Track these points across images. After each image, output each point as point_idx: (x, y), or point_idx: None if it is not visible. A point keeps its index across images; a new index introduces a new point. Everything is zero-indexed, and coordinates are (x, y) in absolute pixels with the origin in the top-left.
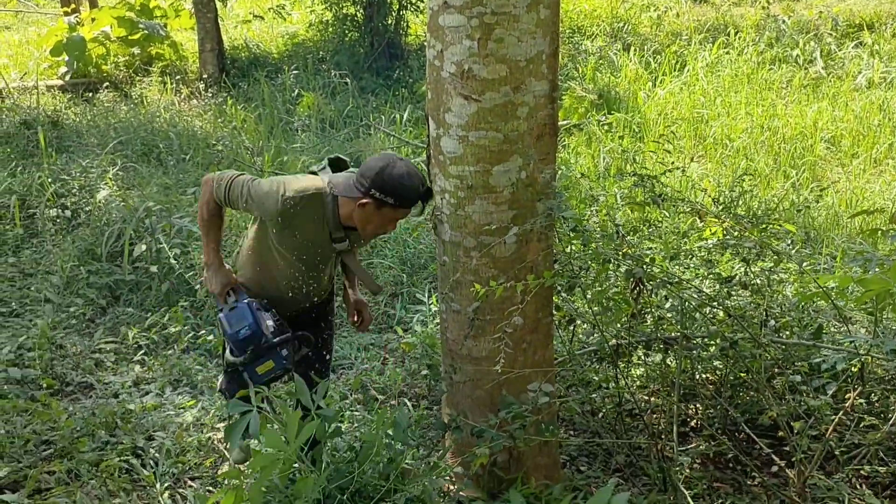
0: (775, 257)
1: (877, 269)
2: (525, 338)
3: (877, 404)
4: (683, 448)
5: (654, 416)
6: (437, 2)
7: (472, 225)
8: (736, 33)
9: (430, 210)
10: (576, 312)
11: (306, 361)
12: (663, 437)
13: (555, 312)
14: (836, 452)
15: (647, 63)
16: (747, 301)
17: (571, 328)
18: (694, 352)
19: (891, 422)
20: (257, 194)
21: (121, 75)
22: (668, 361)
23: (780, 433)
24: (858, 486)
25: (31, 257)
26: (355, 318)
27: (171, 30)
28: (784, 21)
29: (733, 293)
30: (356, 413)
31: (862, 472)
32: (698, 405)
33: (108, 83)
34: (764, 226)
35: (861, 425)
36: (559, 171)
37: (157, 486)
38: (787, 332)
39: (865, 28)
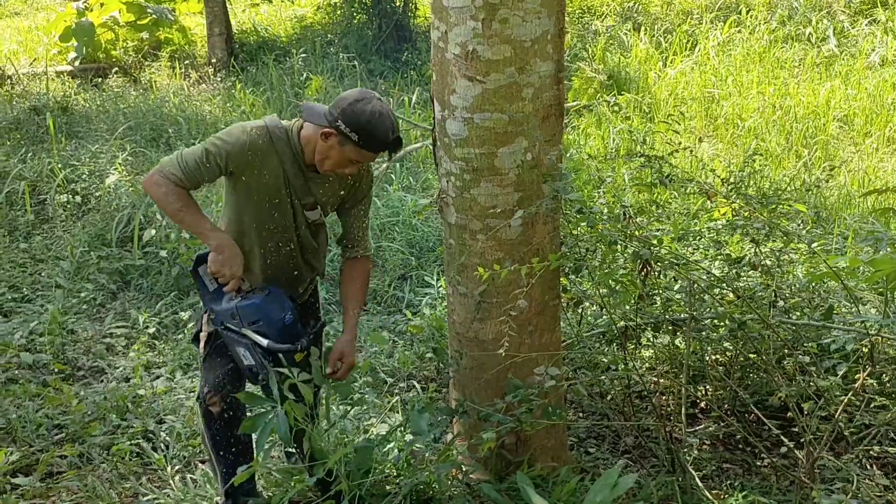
0: (785, 238)
1: (888, 249)
2: (531, 321)
3: (888, 385)
4: (692, 430)
5: (663, 397)
6: None
7: (478, 207)
8: (748, 11)
9: (436, 192)
10: (583, 295)
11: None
12: (672, 418)
13: (562, 295)
14: (846, 433)
15: (658, 43)
16: (757, 282)
17: (580, 311)
18: (703, 333)
19: None
20: (218, 140)
21: (130, 60)
22: (676, 343)
23: (790, 414)
24: (868, 467)
25: (42, 243)
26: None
27: (179, 14)
28: None
29: (742, 274)
30: (365, 396)
31: (872, 452)
32: (707, 386)
33: (117, 68)
34: (773, 206)
35: (871, 406)
36: (567, 153)
37: (168, 468)
38: (798, 313)
39: (879, 5)
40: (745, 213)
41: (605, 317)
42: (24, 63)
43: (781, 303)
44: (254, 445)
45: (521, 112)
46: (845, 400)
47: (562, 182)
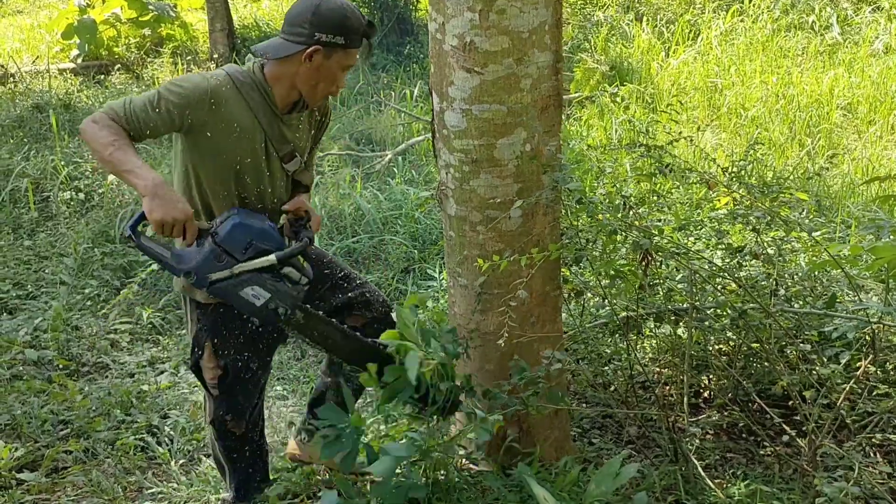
0: (786, 227)
1: (890, 237)
2: (532, 311)
3: (892, 373)
4: (695, 419)
5: (667, 387)
6: None
7: (478, 199)
8: (750, 0)
9: (437, 185)
10: (585, 285)
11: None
12: (675, 408)
13: (563, 286)
14: (848, 421)
15: (661, 33)
16: (759, 271)
17: (582, 301)
18: (706, 323)
19: None
20: (173, 86)
21: (132, 57)
22: (679, 333)
23: (792, 403)
24: (872, 455)
25: (46, 240)
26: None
27: (181, 10)
28: None
29: (744, 263)
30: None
31: (874, 440)
32: (711, 376)
33: (119, 65)
34: (775, 195)
35: (874, 394)
36: (568, 144)
37: (172, 463)
38: (801, 302)
39: None
40: (747, 203)
41: (606, 307)
42: (26, 61)
43: (783, 291)
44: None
45: (520, 103)
46: (847, 388)
47: (561, 172)
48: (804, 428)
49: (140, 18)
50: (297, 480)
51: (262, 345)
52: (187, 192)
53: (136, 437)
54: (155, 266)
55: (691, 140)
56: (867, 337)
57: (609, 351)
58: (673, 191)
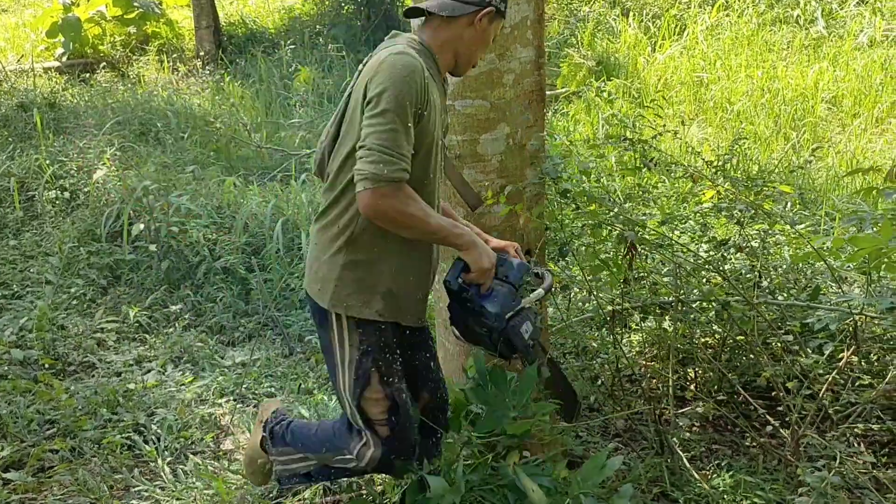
0: (768, 219)
1: (872, 229)
2: None
3: (876, 364)
4: (681, 411)
5: (653, 380)
6: None
7: None
8: None
9: None
10: (570, 279)
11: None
12: (661, 401)
13: None
14: (831, 412)
15: (647, 28)
16: (743, 264)
17: (568, 295)
18: (691, 316)
19: (886, 380)
20: (390, 84)
21: (117, 55)
22: (664, 326)
23: (776, 393)
24: (855, 445)
25: (32, 239)
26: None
27: (166, 7)
28: None
29: (728, 256)
30: None
31: (857, 430)
32: (696, 369)
33: (104, 63)
34: (759, 189)
35: (857, 384)
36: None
37: (159, 461)
38: (784, 294)
39: None
40: (731, 196)
41: (592, 301)
42: (11, 60)
43: (766, 283)
44: None
45: (503, 98)
46: (829, 379)
47: (551, 164)
48: (788, 419)
49: (125, 16)
50: None
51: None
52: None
53: (123, 435)
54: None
55: (676, 134)
56: (849, 328)
57: (595, 345)
58: (658, 185)
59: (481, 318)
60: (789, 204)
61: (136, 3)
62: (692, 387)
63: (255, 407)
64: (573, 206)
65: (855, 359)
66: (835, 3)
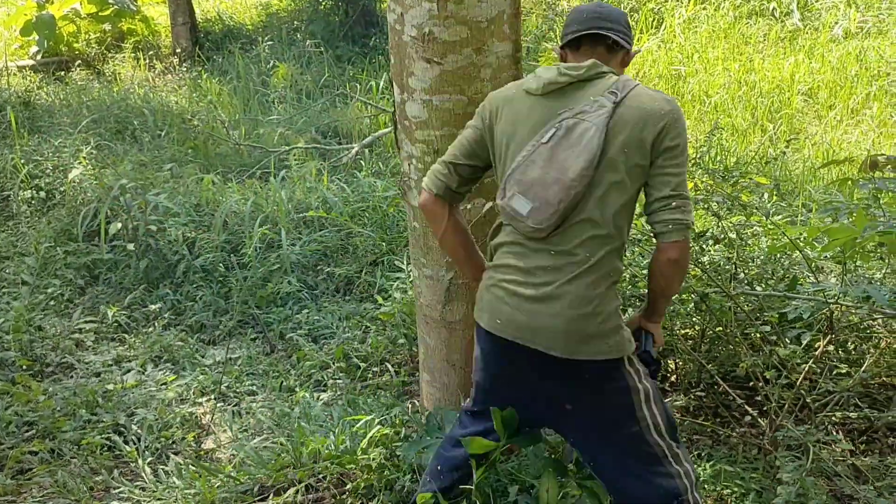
0: (745, 211)
1: (847, 219)
2: None
3: (853, 352)
4: None
5: None
6: None
7: None
8: None
9: (399, 176)
10: None
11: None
12: None
13: None
14: (808, 400)
15: None
16: (722, 255)
17: None
18: (670, 307)
19: (863, 368)
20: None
21: (93, 52)
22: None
23: (754, 384)
24: (833, 433)
25: (7, 240)
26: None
27: (142, 4)
28: None
29: (706, 248)
30: (339, 381)
31: (835, 418)
32: (677, 360)
33: (79, 61)
34: (735, 180)
35: (834, 373)
36: None
37: (140, 461)
38: (762, 285)
39: None
40: (708, 188)
41: None
42: None
43: (743, 274)
44: None
45: (481, 93)
46: (807, 368)
47: None
48: (766, 408)
49: (100, 13)
50: None
51: None
52: (622, 235)
53: (103, 436)
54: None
55: None
56: (826, 318)
57: None
58: None
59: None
60: (766, 195)
61: (110, 0)
62: (672, 378)
63: (236, 405)
64: None
65: (832, 348)
66: None
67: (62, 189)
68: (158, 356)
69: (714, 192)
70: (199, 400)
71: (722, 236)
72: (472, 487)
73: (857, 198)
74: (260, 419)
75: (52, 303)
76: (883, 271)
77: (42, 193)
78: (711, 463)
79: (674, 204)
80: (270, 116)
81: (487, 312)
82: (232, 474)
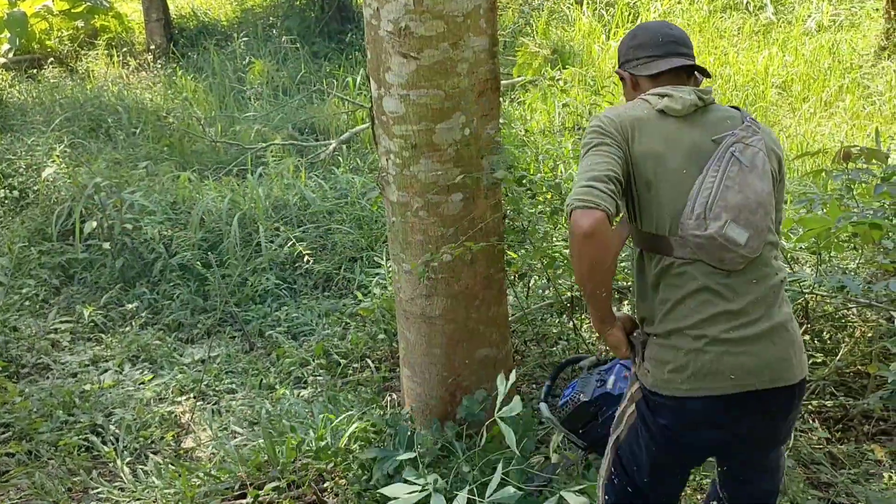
0: None
1: (822, 210)
2: (477, 295)
3: (828, 342)
4: None
5: None
6: None
7: (419, 184)
8: None
9: (377, 171)
10: (529, 267)
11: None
12: None
13: (507, 268)
14: None
15: (601, 16)
16: None
17: (529, 283)
18: None
19: (838, 357)
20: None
21: (65, 50)
22: (624, 312)
23: None
24: (810, 421)
25: None
26: None
27: (115, 1)
28: None
29: None
30: (319, 378)
31: (811, 407)
32: None
33: (52, 58)
34: None
35: (810, 362)
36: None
37: (118, 461)
38: None
39: None
40: None
41: (552, 288)
42: None
43: None
44: None
45: (457, 87)
46: None
47: (497, 157)
48: None
49: (72, 10)
50: None
51: None
52: None
53: (80, 436)
54: None
55: None
56: (801, 307)
57: (556, 331)
58: None
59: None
60: None
61: None
62: None
63: (215, 404)
64: (529, 193)
65: (807, 337)
66: None
67: (35, 188)
68: (136, 356)
69: None
70: (178, 399)
71: None
72: None
73: (830, 189)
74: (240, 417)
75: (26, 303)
76: (857, 261)
77: (15, 193)
78: None
79: (780, 226)
80: (247, 113)
81: (711, 376)
82: (212, 472)
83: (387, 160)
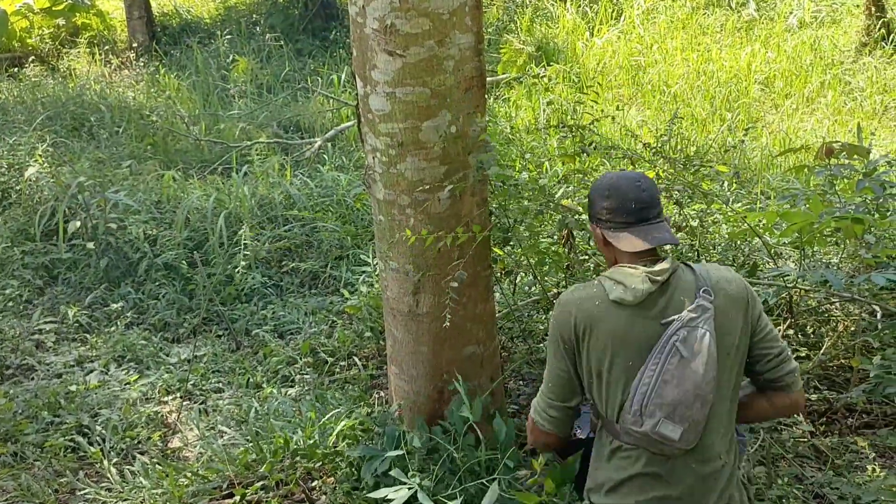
0: (706, 198)
1: (805, 205)
2: (464, 292)
3: (812, 336)
4: None
5: None
6: None
7: (405, 182)
8: None
9: (364, 169)
10: (516, 264)
11: None
12: None
13: (494, 265)
14: None
15: (584, 13)
16: (684, 243)
17: (515, 280)
18: None
19: (821, 351)
20: None
21: (46, 48)
22: None
23: None
24: (795, 415)
25: None
26: None
27: None
28: None
29: None
30: (306, 376)
31: None
32: None
33: (33, 57)
34: (695, 169)
35: (794, 356)
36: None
37: (105, 462)
38: None
39: None
40: (670, 177)
41: (538, 285)
42: None
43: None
44: None
45: (443, 85)
46: None
47: (487, 155)
48: None
49: (53, 8)
50: None
51: None
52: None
53: (66, 437)
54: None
55: (614, 119)
56: (785, 302)
57: (542, 328)
58: (600, 168)
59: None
60: (726, 183)
61: None
62: None
63: (202, 403)
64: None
65: (791, 332)
66: None
67: (18, 188)
68: (121, 356)
69: (675, 181)
70: (165, 399)
71: (684, 224)
72: None
73: (813, 184)
74: (227, 416)
75: (10, 304)
76: (839, 256)
77: None
78: None
79: (786, 354)
80: (231, 111)
81: None
82: (199, 472)
83: (373, 158)
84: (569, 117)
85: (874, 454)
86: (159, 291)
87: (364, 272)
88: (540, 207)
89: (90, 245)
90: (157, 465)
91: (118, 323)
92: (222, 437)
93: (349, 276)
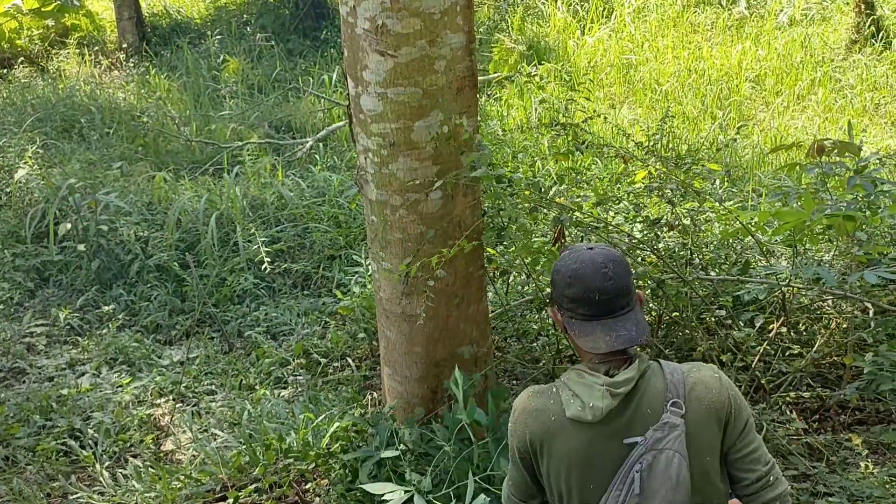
0: (698, 197)
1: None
2: (458, 293)
3: (804, 333)
4: None
5: None
6: None
7: (397, 182)
8: None
9: (356, 170)
10: (509, 264)
11: None
12: None
13: (487, 266)
14: (763, 381)
15: (575, 11)
16: (676, 242)
17: (508, 280)
18: None
19: (814, 348)
20: None
21: (36, 49)
22: None
23: None
24: (788, 412)
25: None
26: None
27: None
28: None
29: (661, 235)
30: (299, 378)
31: (788, 398)
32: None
33: (22, 58)
34: (687, 167)
35: (787, 354)
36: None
37: (97, 465)
38: (717, 270)
39: None
40: (662, 176)
41: (531, 284)
42: None
43: (698, 260)
44: None
45: (435, 85)
46: (761, 350)
47: (478, 154)
48: None
49: (42, 9)
50: None
51: None
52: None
53: (58, 441)
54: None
55: (606, 119)
56: (778, 300)
57: (536, 327)
58: (592, 167)
59: None
60: (718, 181)
61: None
62: None
63: (195, 406)
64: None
65: (784, 329)
66: None
67: (8, 190)
68: (113, 358)
69: (667, 180)
70: (157, 401)
71: (676, 223)
72: None
73: (805, 182)
74: (220, 418)
75: (1, 307)
76: (831, 253)
77: None
78: None
79: (769, 479)
80: (222, 112)
81: None
82: (192, 475)
83: (365, 158)
84: (561, 116)
85: (867, 451)
86: (151, 293)
87: (357, 273)
88: (533, 204)
89: (81, 247)
90: (149, 469)
91: (110, 325)
92: (215, 439)
93: (342, 277)
